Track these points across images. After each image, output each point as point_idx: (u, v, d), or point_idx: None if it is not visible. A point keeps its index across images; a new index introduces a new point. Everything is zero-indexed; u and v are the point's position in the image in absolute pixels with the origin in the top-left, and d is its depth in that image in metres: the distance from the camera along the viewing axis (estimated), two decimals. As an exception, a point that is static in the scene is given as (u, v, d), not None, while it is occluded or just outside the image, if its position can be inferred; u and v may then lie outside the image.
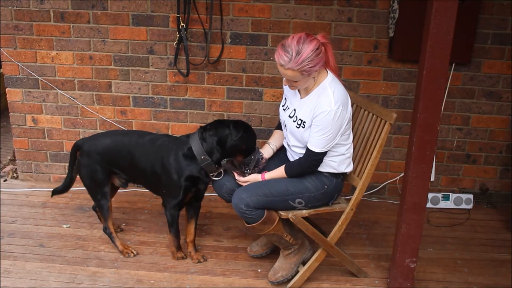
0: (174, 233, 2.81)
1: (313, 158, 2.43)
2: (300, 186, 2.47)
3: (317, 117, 2.35)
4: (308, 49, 2.24)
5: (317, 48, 2.26)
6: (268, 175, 2.53)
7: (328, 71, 2.43)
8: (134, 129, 3.63)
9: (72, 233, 3.12)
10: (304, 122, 2.42)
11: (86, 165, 2.79)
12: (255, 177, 2.53)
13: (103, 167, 2.77)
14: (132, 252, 2.89)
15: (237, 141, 2.54)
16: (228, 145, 2.56)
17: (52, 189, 3.05)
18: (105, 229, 2.89)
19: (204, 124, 2.70)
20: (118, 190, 3.48)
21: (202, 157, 2.57)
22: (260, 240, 2.94)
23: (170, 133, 3.63)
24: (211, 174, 2.64)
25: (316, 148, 2.39)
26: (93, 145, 2.79)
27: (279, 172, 2.52)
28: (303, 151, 2.48)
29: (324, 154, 2.43)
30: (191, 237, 2.88)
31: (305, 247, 2.74)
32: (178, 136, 2.78)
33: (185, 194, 2.66)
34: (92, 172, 2.78)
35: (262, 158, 2.60)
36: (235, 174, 2.56)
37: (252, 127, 3.58)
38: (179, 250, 2.86)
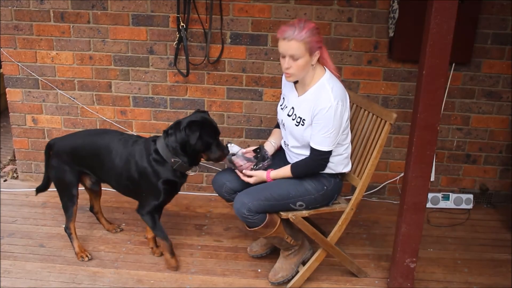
0: (163, 235, 2.71)
1: (320, 158, 2.41)
2: (300, 189, 2.46)
3: (318, 115, 2.34)
4: (310, 25, 2.28)
5: (317, 28, 2.31)
6: (274, 173, 2.51)
7: (326, 69, 2.44)
8: (133, 129, 3.63)
9: (72, 233, 3.12)
10: (304, 119, 2.42)
11: (56, 165, 2.76)
12: (261, 175, 2.51)
13: (72, 168, 2.74)
14: (87, 256, 2.84)
15: (196, 145, 2.53)
16: (189, 150, 2.56)
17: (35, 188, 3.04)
18: (66, 229, 2.86)
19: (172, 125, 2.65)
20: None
21: (173, 160, 2.58)
22: (260, 240, 2.94)
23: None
24: (187, 172, 2.66)
25: (322, 146, 2.38)
26: (62, 146, 2.77)
27: (285, 171, 2.49)
28: (303, 151, 2.48)
29: (330, 152, 2.41)
30: (152, 233, 2.88)
31: (305, 247, 2.74)
32: (148, 138, 2.74)
33: (166, 196, 2.66)
34: (61, 173, 2.75)
35: (267, 157, 2.58)
36: (238, 172, 2.55)
37: (252, 127, 3.59)
38: (173, 256, 2.77)
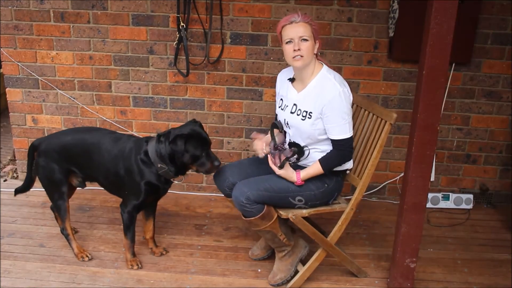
0: (130, 237, 2.74)
1: (347, 145, 2.44)
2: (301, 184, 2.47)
3: (328, 106, 2.35)
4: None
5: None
6: (304, 173, 2.47)
7: (323, 64, 2.48)
8: (133, 129, 3.63)
9: (72, 233, 3.12)
10: (310, 112, 2.42)
11: (44, 165, 2.75)
12: (291, 173, 2.48)
13: (61, 165, 2.74)
14: (87, 256, 2.84)
15: (184, 158, 2.53)
16: (178, 162, 2.56)
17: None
18: (62, 230, 2.85)
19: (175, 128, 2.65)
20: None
21: (159, 165, 2.58)
22: (259, 243, 2.94)
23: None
24: (172, 179, 2.66)
25: (343, 135, 2.40)
26: (51, 144, 2.76)
27: (315, 169, 2.47)
28: (318, 146, 2.48)
29: (352, 138, 2.46)
30: (151, 233, 2.90)
31: (300, 246, 2.72)
32: (140, 138, 2.75)
33: (146, 196, 2.66)
34: (50, 172, 2.74)
35: (308, 151, 2.53)
36: (270, 161, 2.48)
37: (252, 127, 3.59)
38: (134, 257, 2.81)
